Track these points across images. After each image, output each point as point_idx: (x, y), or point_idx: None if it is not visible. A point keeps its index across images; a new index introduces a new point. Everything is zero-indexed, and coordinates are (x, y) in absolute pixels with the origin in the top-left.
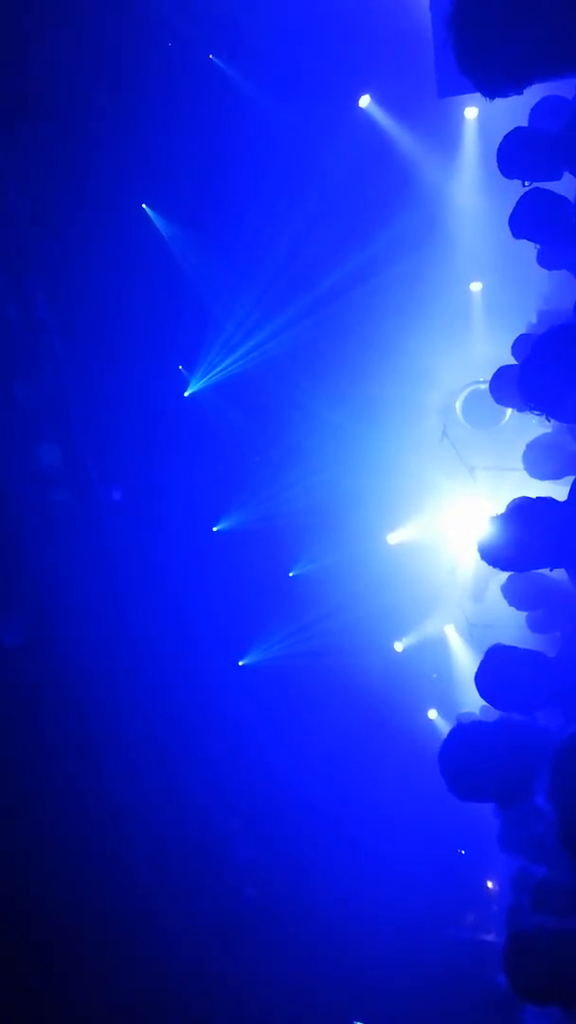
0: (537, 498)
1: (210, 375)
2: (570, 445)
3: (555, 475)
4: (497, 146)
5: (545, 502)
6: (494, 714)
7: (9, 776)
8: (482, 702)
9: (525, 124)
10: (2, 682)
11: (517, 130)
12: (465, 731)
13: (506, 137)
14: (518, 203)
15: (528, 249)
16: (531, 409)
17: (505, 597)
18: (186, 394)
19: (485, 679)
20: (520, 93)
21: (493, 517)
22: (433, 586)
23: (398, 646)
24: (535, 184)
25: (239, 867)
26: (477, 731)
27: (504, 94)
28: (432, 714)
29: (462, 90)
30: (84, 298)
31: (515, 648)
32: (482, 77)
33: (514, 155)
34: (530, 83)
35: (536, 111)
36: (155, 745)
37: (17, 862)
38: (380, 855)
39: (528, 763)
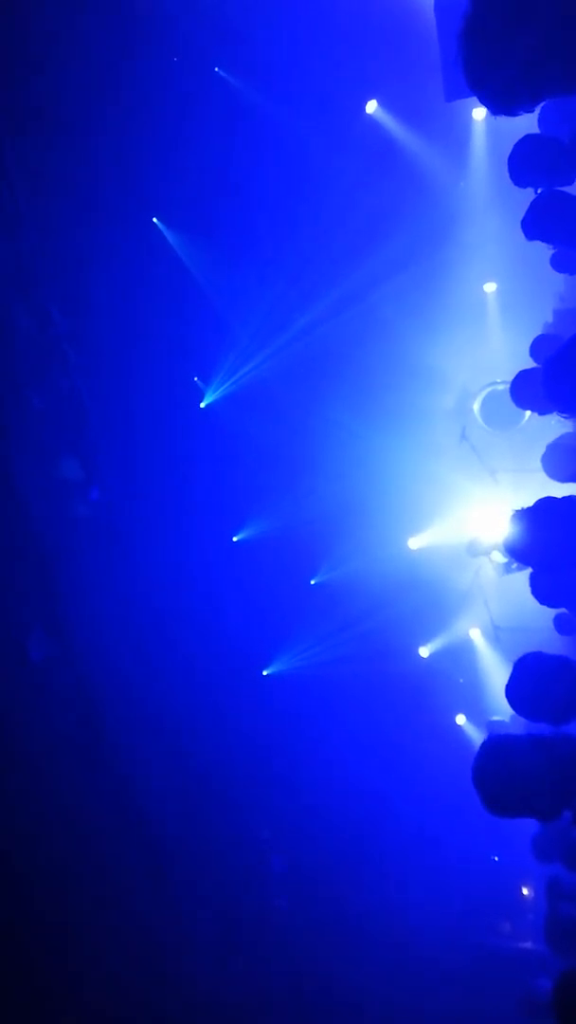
0: (564, 497)
1: (225, 385)
2: None
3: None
4: (507, 146)
5: (572, 500)
6: (523, 721)
7: (37, 790)
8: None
9: (534, 124)
10: (30, 695)
11: (527, 139)
12: (497, 747)
13: (516, 146)
14: (530, 206)
15: (542, 247)
16: (555, 410)
17: (533, 594)
18: (202, 405)
19: (516, 691)
20: (531, 111)
21: (518, 511)
22: (457, 590)
23: (423, 651)
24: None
25: (272, 877)
26: (510, 748)
27: (514, 113)
28: (460, 719)
29: (470, 93)
30: (98, 311)
31: (545, 656)
32: (493, 97)
33: (525, 164)
34: (540, 101)
35: (545, 113)
36: (179, 758)
37: (41, 877)
38: (413, 862)
39: (564, 776)
